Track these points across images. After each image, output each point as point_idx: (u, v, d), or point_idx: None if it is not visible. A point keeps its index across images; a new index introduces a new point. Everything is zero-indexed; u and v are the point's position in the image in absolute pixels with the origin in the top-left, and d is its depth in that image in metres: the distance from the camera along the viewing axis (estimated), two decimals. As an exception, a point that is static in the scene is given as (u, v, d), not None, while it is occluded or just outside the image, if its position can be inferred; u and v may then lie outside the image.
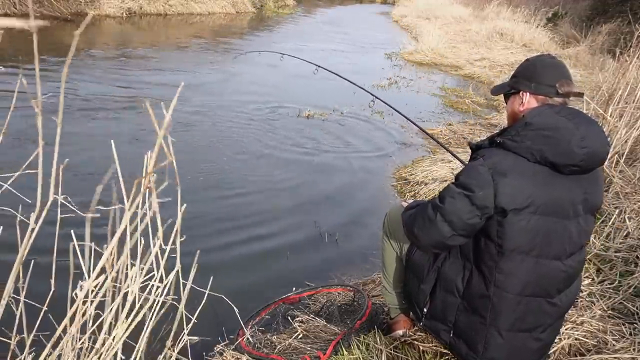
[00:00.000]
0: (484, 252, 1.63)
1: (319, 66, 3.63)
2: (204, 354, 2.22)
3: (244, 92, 7.16)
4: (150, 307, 1.27)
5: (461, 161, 2.60)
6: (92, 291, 1.16)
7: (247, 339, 2.27)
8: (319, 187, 4.35)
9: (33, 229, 1.07)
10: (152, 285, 1.26)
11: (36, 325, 1.22)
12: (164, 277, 1.26)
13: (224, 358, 2.16)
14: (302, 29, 16.25)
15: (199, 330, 2.20)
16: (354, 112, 6.67)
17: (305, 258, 3.24)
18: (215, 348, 2.22)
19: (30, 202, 1.13)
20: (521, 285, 1.60)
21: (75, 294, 1.15)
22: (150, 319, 1.29)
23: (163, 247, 1.20)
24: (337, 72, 3.55)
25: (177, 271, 1.27)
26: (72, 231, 1.23)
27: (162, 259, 1.23)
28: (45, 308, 1.23)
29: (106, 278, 1.16)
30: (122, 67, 7.97)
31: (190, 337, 1.42)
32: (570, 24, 14.23)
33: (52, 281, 1.23)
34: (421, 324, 1.87)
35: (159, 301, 1.27)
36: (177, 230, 1.20)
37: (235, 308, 1.65)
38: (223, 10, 17.80)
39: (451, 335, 1.76)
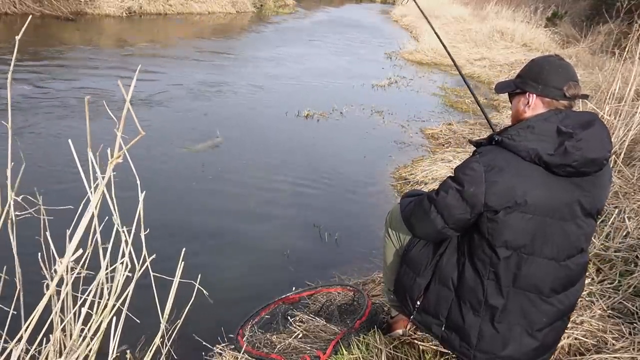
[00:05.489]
0: (477, 247, 1.65)
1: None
2: (204, 353, 2.22)
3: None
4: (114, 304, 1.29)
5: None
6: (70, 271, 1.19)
7: (247, 338, 2.27)
8: (318, 187, 4.35)
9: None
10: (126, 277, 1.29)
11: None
12: (136, 265, 1.28)
13: (224, 358, 2.17)
14: (301, 29, 16.22)
15: (198, 330, 2.21)
16: (353, 112, 6.67)
17: (305, 258, 3.23)
18: (214, 348, 2.22)
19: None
20: (512, 280, 1.62)
21: (55, 270, 1.18)
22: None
23: (123, 229, 1.23)
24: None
25: (147, 260, 1.29)
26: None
27: (128, 244, 1.26)
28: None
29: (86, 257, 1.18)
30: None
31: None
32: (570, 23, 14.22)
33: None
34: (412, 317, 1.87)
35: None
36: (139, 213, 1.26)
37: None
38: (223, 10, 17.79)
39: (443, 329, 1.77)
